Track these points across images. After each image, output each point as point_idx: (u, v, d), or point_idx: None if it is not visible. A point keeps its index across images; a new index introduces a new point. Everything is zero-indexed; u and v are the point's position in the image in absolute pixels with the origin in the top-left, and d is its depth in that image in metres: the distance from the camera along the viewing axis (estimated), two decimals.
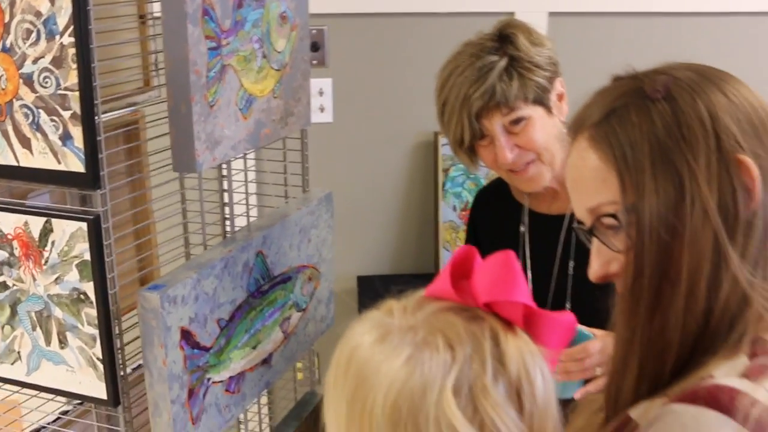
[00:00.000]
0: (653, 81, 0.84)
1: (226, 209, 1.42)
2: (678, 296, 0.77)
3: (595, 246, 0.87)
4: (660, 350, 0.79)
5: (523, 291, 0.71)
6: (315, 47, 2.10)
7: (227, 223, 1.41)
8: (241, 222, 1.44)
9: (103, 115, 1.19)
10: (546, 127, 1.38)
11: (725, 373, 0.74)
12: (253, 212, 1.55)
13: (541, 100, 1.38)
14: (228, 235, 1.41)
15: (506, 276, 0.71)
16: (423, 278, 2.21)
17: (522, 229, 1.51)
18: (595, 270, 0.87)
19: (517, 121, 1.36)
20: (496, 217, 1.56)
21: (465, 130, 1.37)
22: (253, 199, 1.62)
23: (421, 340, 0.70)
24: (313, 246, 1.52)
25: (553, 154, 1.39)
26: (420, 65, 2.13)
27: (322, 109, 2.15)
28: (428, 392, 0.67)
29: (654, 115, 0.80)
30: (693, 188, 0.77)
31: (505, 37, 1.39)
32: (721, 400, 0.71)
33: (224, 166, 1.37)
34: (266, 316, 1.39)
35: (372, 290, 2.24)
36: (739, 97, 0.82)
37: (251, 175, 1.60)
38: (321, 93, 2.14)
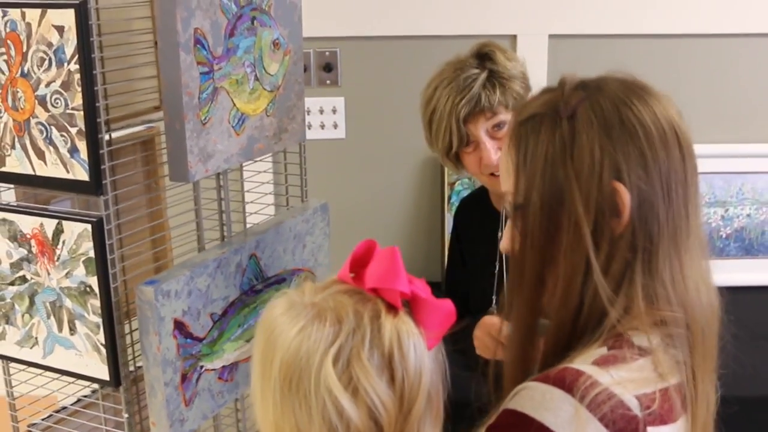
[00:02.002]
0: (569, 98, 0.94)
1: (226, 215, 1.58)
2: (555, 295, 0.89)
3: (509, 222, 0.99)
4: (532, 336, 0.91)
5: (402, 281, 0.84)
6: (328, 68, 2.26)
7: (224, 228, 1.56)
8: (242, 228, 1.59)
9: (120, 131, 1.38)
10: None
11: (583, 360, 0.86)
12: (257, 218, 1.70)
13: None
14: (226, 238, 1.56)
15: (390, 267, 0.85)
16: (430, 285, 2.34)
17: (500, 234, 1.63)
18: (503, 242, 1.00)
19: (499, 126, 1.50)
20: (477, 223, 1.68)
21: (453, 135, 1.50)
22: (256, 207, 1.77)
23: (315, 314, 0.84)
24: (308, 251, 1.67)
25: None
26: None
27: (335, 126, 2.30)
28: (312, 359, 0.81)
29: (556, 132, 0.92)
30: (571, 205, 0.89)
31: (483, 55, 1.53)
32: (565, 380, 0.83)
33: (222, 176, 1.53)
34: (260, 313, 1.53)
35: None
36: (637, 125, 0.91)
37: (251, 186, 1.75)
38: (334, 111, 2.29)
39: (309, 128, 2.27)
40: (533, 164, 0.92)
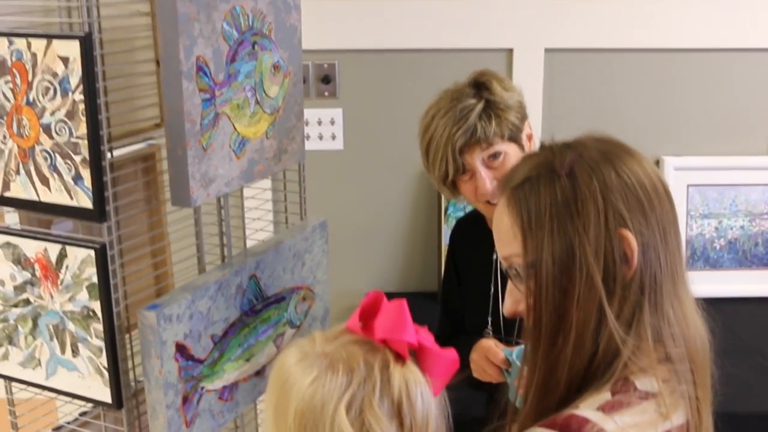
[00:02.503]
0: (563, 157, 0.97)
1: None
2: (568, 344, 0.92)
3: (509, 286, 1.02)
4: (550, 385, 0.94)
5: (409, 332, 0.87)
6: (327, 80, 2.27)
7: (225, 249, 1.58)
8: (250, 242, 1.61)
9: (121, 149, 1.39)
10: None
11: (588, 405, 0.89)
12: (258, 235, 1.72)
13: (515, 138, 1.53)
14: (226, 260, 1.58)
15: (398, 319, 0.89)
16: (427, 296, 2.36)
17: (495, 256, 1.65)
18: (507, 306, 1.02)
19: (494, 156, 1.51)
20: (473, 245, 1.70)
21: (449, 164, 1.52)
22: (257, 225, 1.79)
23: (328, 364, 0.87)
24: (308, 269, 1.69)
25: None
26: (424, 97, 2.26)
27: (333, 137, 2.32)
28: (326, 408, 0.84)
29: (557, 189, 0.95)
30: (582, 257, 0.92)
31: (480, 84, 1.54)
32: (571, 428, 0.85)
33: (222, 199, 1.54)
34: (259, 333, 1.56)
35: None
36: (631, 177, 0.95)
37: (255, 203, 1.77)
38: (332, 122, 2.31)
39: (307, 139, 2.29)
40: (539, 224, 0.94)
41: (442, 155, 1.51)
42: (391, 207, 2.39)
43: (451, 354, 0.90)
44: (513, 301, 1.01)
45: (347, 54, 2.26)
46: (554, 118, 2.32)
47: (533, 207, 0.95)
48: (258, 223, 1.79)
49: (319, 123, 2.30)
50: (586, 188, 0.93)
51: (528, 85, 2.24)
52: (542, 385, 0.95)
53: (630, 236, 0.92)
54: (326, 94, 2.28)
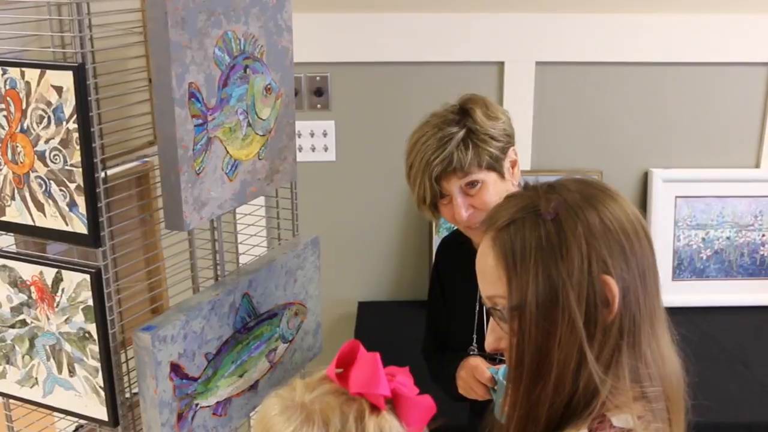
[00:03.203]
0: (548, 201, 0.99)
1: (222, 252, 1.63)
2: (549, 384, 0.95)
3: (492, 323, 1.04)
4: (530, 421, 0.97)
5: (383, 385, 0.93)
6: (319, 92, 2.30)
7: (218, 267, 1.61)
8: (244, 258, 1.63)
9: (115, 168, 1.42)
10: (498, 190, 1.54)
11: None
12: (255, 251, 1.75)
13: (494, 167, 1.54)
14: (219, 278, 1.61)
15: (372, 373, 0.94)
16: (417, 304, 2.40)
17: None
18: (489, 343, 1.05)
19: (472, 184, 1.53)
20: (458, 263, 1.73)
21: (427, 190, 1.54)
22: (251, 242, 1.82)
23: (305, 417, 0.93)
24: (300, 285, 1.71)
25: None
26: (415, 109, 2.28)
27: (326, 149, 2.35)
28: None
29: (543, 233, 0.97)
30: (565, 301, 0.94)
31: (465, 111, 1.56)
32: None
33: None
34: (252, 349, 1.59)
35: (372, 314, 2.44)
36: (614, 221, 0.98)
37: (248, 220, 1.80)
38: (325, 134, 2.33)
39: (300, 151, 2.31)
40: (524, 266, 0.96)
41: (420, 181, 1.53)
42: (382, 217, 2.42)
43: (426, 401, 0.94)
44: (495, 338, 1.03)
45: (340, 67, 2.29)
46: (544, 131, 2.35)
47: (518, 250, 0.97)
48: (251, 239, 1.82)
49: (312, 135, 2.33)
50: (571, 233, 0.96)
51: (519, 97, 2.28)
52: (523, 421, 0.98)
53: (612, 282, 0.95)
54: (319, 106, 2.31)
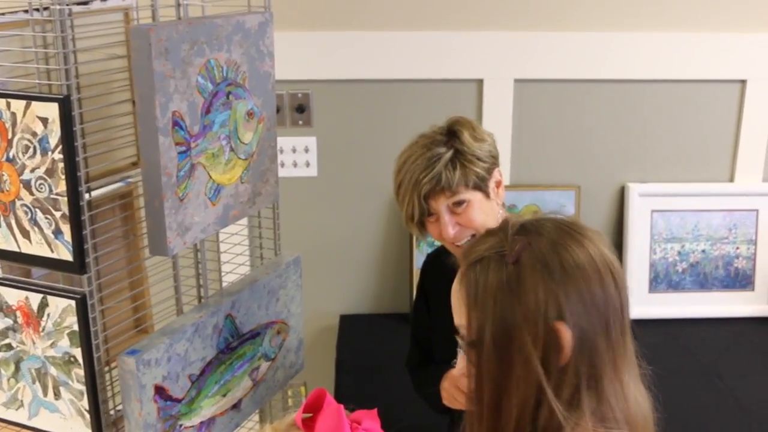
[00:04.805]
0: (513, 244, 1.02)
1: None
2: (509, 423, 0.98)
3: (461, 355, 1.08)
4: None
5: None
6: (301, 109, 2.32)
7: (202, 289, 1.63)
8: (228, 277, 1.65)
9: (99, 189, 1.44)
10: (484, 209, 1.58)
11: None
12: (240, 269, 1.78)
13: (480, 187, 1.58)
14: (203, 300, 1.64)
15: (335, 425, 0.96)
16: (399, 317, 2.42)
17: None
18: (459, 369, 1.08)
19: (459, 203, 1.57)
20: (442, 278, 1.75)
21: (415, 208, 1.58)
22: (237, 260, 1.85)
23: None
24: (282, 303, 1.74)
25: None
26: (395, 125, 2.34)
27: (307, 165, 2.37)
28: None
29: (503, 276, 1.00)
30: (520, 341, 0.97)
31: (452, 132, 1.60)
32: None
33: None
34: (235, 368, 1.61)
35: (353, 327, 2.47)
36: (576, 270, 0.99)
37: (232, 240, 1.82)
38: (306, 150, 2.36)
39: (282, 166, 2.34)
40: (484, 305, 0.99)
41: (409, 199, 1.57)
42: (363, 231, 2.44)
43: None
44: (462, 370, 1.07)
45: (321, 84, 2.32)
46: (523, 146, 2.38)
47: (480, 289, 1.00)
48: (235, 258, 1.85)
49: (294, 151, 2.36)
50: (530, 279, 0.98)
51: (498, 114, 2.32)
52: None
53: (564, 329, 0.97)
54: (301, 122, 2.33)
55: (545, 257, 0.99)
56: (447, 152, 1.55)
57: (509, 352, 0.97)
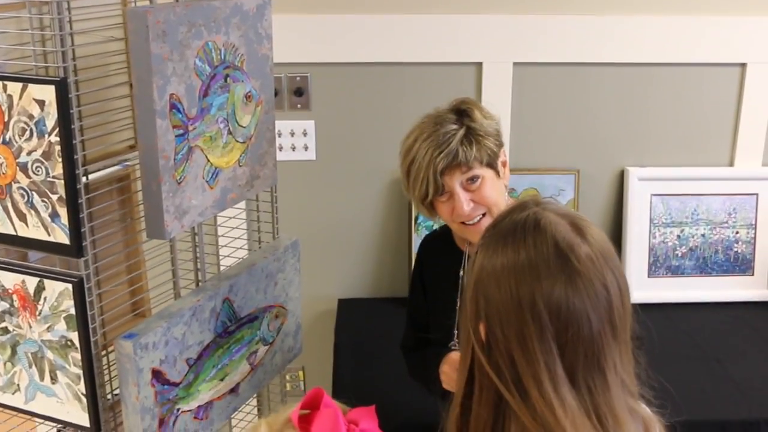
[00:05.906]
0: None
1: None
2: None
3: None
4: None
5: None
6: (299, 92, 2.31)
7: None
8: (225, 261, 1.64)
9: (97, 173, 1.43)
10: (495, 187, 1.59)
11: None
12: (237, 253, 1.77)
13: (492, 164, 1.59)
14: (200, 283, 1.63)
15: (333, 426, 0.96)
16: (397, 301, 2.42)
17: (462, 273, 1.71)
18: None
19: (473, 179, 1.57)
20: (440, 261, 1.76)
21: (430, 185, 1.58)
22: (234, 243, 1.84)
23: None
24: (280, 288, 1.74)
25: (500, 209, 1.60)
26: (394, 109, 2.33)
27: (306, 148, 2.36)
28: None
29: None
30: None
31: (461, 111, 1.60)
32: None
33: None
34: (233, 352, 1.61)
35: (352, 311, 2.46)
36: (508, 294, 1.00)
37: (230, 224, 1.82)
38: (305, 133, 2.35)
39: (280, 150, 2.33)
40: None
41: (423, 176, 1.56)
42: (362, 215, 2.44)
43: None
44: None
45: (320, 67, 2.30)
46: (522, 130, 2.37)
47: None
48: (232, 242, 1.84)
49: (292, 134, 2.34)
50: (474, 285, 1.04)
51: (497, 97, 2.31)
52: None
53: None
54: (299, 106, 2.32)
55: (493, 277, 1.03)
56: (459, 129, 1.56)
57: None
